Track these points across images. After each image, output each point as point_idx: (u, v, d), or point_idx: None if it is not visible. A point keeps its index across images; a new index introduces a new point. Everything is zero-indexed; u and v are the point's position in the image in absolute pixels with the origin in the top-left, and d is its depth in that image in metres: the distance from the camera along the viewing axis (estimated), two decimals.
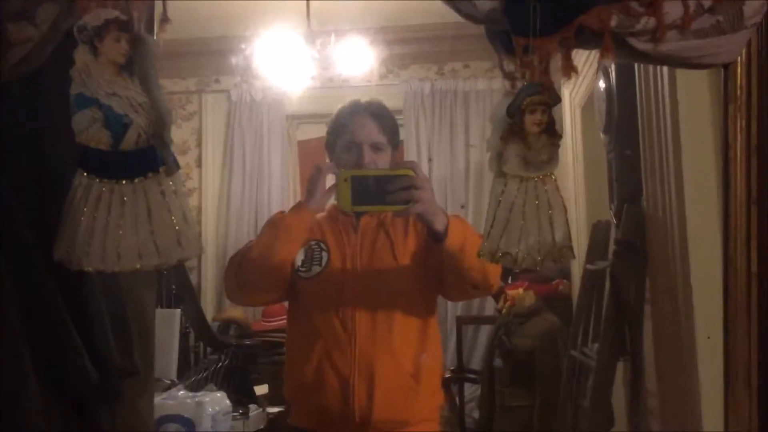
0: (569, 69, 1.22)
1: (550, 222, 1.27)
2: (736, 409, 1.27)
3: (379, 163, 1.90)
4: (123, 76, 1.25)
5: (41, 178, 1.37)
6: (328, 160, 2.02)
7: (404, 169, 1.56)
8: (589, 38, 1.22)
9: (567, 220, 1.30)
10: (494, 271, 1.81)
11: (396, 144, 2.00)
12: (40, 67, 1.29)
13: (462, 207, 4.92)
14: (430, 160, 4.99)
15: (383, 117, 1.96)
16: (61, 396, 1.26)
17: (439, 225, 1.64)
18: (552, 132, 1.27)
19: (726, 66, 1.29)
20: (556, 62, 1.28)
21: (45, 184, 1.37)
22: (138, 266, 1.26)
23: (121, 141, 1.26)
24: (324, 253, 1.92)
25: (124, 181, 1.26)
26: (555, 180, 1.29)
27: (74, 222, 1.25)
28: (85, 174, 1.26)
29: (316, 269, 1.91)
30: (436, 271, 1.85)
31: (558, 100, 1.27)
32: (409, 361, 1.88)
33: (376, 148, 1.91)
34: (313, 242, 1.94)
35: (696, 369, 2.03)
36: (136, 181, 1.27)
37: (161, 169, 1.28)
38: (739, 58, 1.27)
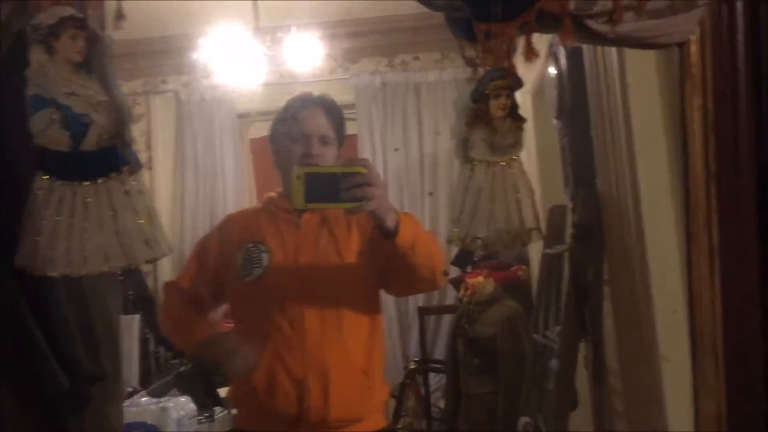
0: (531, 53, 1.24)
1: (517, 205, 1.28)
2: (704, 379, 1.30)
3: (326, 156, 1.89)
4: (80, 75, 1.22)
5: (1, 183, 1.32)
6: (271, 152, 2.00)
7: (357, 167, 1.54)
8: (548, 22, 1.23)
9: (534, 202, 1.32)
10: (441, 267, 1.82)
11: (342, 140, 1.99)
12: None
13: (430, 194, 4.95)
14: (396, 149, 5.00)
15: (333, 111, 1.95)
16: (31, 403, 1.23)
17: (390, 222, 1.62)
18: (516, 116, 1.28)
19: (680, 45, 1.31)
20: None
21: (4, 189, 1.32)
22: (105, 269, 1.24)
23: (82, 141, 1.23)
24: (263, 255, 1.88)
25: (86, 183, 1.23)
26: (521, 163, 1.31)
27: (36, 226, 1.21)
28: (46, 177, 1.22)
29: (257, 272, 1.87)
30: (380, 267, 1.85)
31: (521, 84, 1.28)
32: (360, 357, 1.86)
33: (324, 141, 1.90)
34: (250, 244, 1.90)
35: (656, 346, 2.07)
36: (99, 181, 1.24)
37: (124, 169, 1.25)
38: (692, 37, 1.29)
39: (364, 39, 4.88)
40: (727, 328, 1.28)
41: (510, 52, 1.24)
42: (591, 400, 2.94)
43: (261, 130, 5.17)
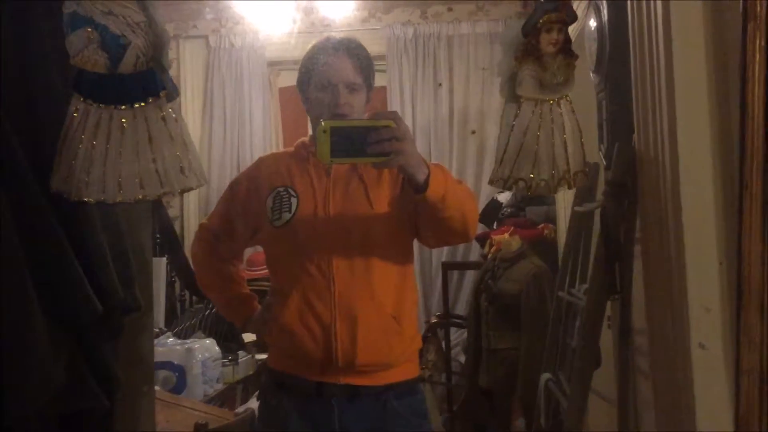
0: None
1: (564, 147, 1.23)
2: (748, 333, 1.27)
3: (354, 103, 1.83)
4: None
5: (35, 106, 1.29)
6: (300, 100, 1.96)
7: (385, 120, 1.49)
8: None
9: (582, 144, 1.27)
10: (473, 219, 1.78)
11: (371, 83, 1.92)
12: None
13: (473, 132, 4.89)
14: (439, 84, 4.91)
15: (359, 56, 1.88)
16: (64, 328, 1.22)
17: (420, 176, 1.56)
18: (568, 52, 1.22)
19: None
20: None
21: (39, 112, 1.30)
22: (140, 196, 1.21)
23: (119, 63, 1.19)
24: (293, 199, 1.86)
25: (123, 106, 1.20)
26: (570, 102, 1.25)
27: (71, 150, 1.19)
28: (82, 99, 1.20)
29: (286, 216, 1.85)
30: (412, 218, 1.81)
31: (575, 17, 1.22)
32: (390, 303, 1.83)
33: (351, 88, 1.84)
34: (281, 188, 1.88)
35: (686, 306, 2.04)
36: (136, 106, 1.21)
37: (162, 93, 1.22)
38: None
39: None
40: None
41: None
42: (615, 358, 2.92)
43: (290, 78, 5.12)
